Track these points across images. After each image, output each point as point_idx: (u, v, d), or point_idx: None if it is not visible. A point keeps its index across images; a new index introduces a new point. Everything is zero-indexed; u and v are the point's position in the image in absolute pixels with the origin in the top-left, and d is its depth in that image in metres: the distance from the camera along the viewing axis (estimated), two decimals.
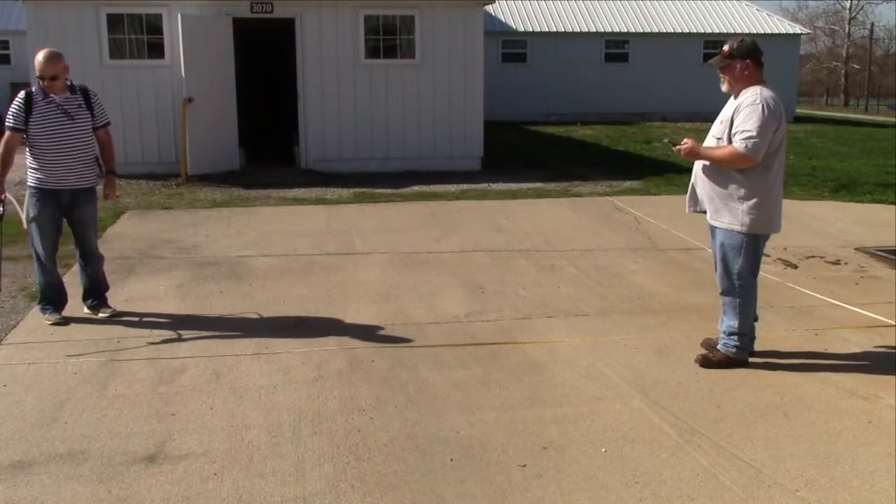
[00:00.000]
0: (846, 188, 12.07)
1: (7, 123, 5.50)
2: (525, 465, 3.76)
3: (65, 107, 5.57)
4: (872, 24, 55.60)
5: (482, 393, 4.59)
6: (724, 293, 4.98)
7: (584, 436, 4.07)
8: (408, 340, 5.45)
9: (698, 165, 4.98)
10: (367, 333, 5.58)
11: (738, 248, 4.83)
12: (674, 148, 4.97)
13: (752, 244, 4.84)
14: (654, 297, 6.49)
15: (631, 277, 7.07)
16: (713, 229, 4.98)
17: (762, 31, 26.89)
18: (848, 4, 58.29)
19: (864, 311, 6.12)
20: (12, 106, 5.54)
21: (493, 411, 4.35)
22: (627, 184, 12.61)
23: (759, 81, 4.75)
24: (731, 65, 4.76)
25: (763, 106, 4.60)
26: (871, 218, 9.92)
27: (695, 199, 5.06)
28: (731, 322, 4.94)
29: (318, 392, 4.57)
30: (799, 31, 29.21)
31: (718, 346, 5.02)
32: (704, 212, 5.01)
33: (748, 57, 4.74)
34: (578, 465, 3.78)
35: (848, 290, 6.69)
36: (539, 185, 12.49)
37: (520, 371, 4.91)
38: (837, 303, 6.34)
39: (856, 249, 8.14)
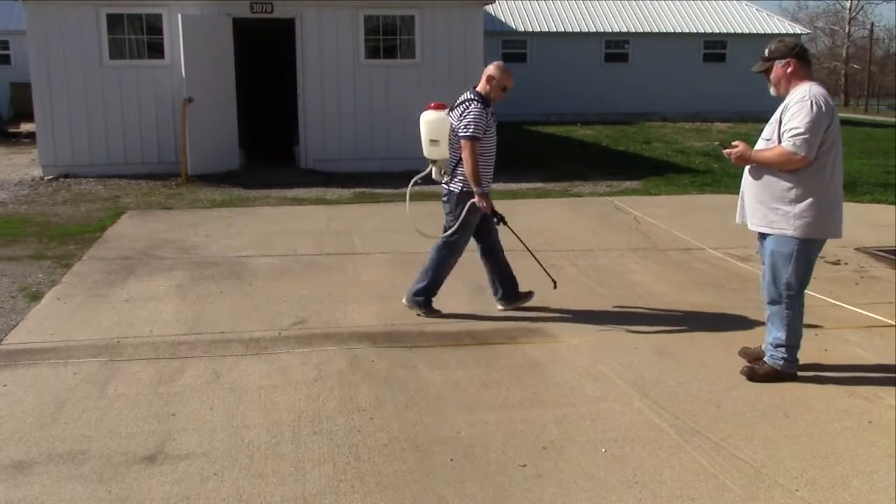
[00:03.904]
0: (846, 188, 11.90)
1: (473, 134, 5.56)
2: (525, 465, 3.76)
3: (495, 114, 5.81)
4: (872, 24, 55.62)
5: (482, 393, 4.59)
6: (770, 303, 4.73)
7: (584, 436, 4.07)
8: (408, 340, 5.45)
9: (747, 170, 4.76)
10: (367, 333, 5.58)
11: (788, 256, 4.58)
12: (724, 151, 4.80)
13: (805, 251, 4.59)
14: (654, 297, 6.49)
15: (631, 277, 7.07)
16: (762, 236, 4.76)
17: (762, 31, 26.89)
18: (848, 4, 58.32)
19: (864, 311, 6.12)
20: (473, 117, 5.56)
21: (493, 411, 4.35)
22: (627, 184, 12.61)
23: (808, 79, 4.57)
24: (772, 67, 4.63)
25: (812, 102, 4.40)
26: (871, 218, 9.91)
27: (743, 209, 4.81)
28: (779, 333, 4.70)
29: (318, 392, 4.57)
30: (799, 31, 29.20)
31: (765, 359, 4.78)
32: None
33: (788, 55, 4.57)
34: (578, 465, 3.78)
35: (848, 290, 6.69)
36: (539, 185, 12.49)
37: (520, 371, 4.91)
38: (837, 303, 6.33)
39: (856, 249, 8.13)
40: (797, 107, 4.46)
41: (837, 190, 4.65)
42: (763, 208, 4.66)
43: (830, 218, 4.62)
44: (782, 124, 4.52)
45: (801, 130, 4.41)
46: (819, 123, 4.42)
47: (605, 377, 4.81)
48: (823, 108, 4.43)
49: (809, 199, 4.52)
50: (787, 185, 4.54)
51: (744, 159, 4.69)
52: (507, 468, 3.74)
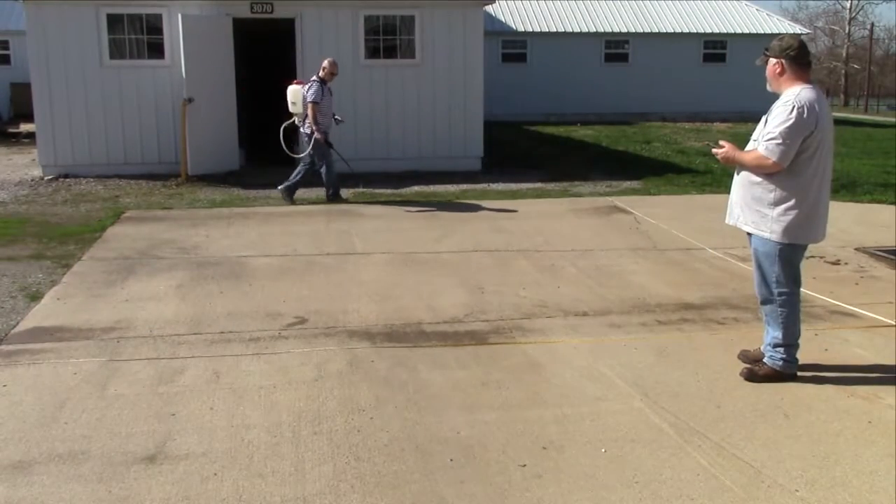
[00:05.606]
0: (846, 188, 12.06)
1: None
2: (525, 465, 3.76)
3: None
4: (872, 24, 55.68)
5: (482, 393, 4.59)
6: (763, 303, 4.77)
7: (584, 436, 4.07)
8: (408, 340, 5.45)
9: (737, 171, 4.79)
10: (367, 333, 5.58)
11: (772, 257, 4.61)
12: (712, 151, 4.85)
13: (787, 253, 4.60)
14: (654, 297, 6.49)
15: (631, 277, 7.07)
16: (748, 235, 4.79)
17: (762, 31, 26.88)
18: (848, 4, 58.39)
19: (864, 311, 6.12)
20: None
21: (493, 411, 4.35)
22: (627, 184, 12.60)
23: (801, 81, 4.53)
24: (767, 63, 4.63)
25: (793, 108, 4.39)
26: (871, 218, 9.92)
27: (731, 209, 4.83)
28: (776, 333, 4.70)
29: (317, 392, 4.57)
30: (799, 31, 29.20)
31: (765, 360, 4.78)
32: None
33: (780, 56, 4.55)
34: (578, 465, 3.78)
35: (848, 290, 6.68)
36: (539, 185, 12.49)
37: (520, 371, 4.91)
38: (837, 303, 6.33)
39: (856, 249, 8.13)
40: (779, 111, 4.48)
41: (820, 196, 4.61)
42: (747, 208, 4.70)
43: (810, 223, 4.59)
44: (765, 126, 4.54)
45: (775, 136, 4.42)
46: (797, 130, 4.40)
47: (605, 377, 4.81)
48: (805, 115, 4.39)
49: (788, 203, 4.53)
50: (767, 187, 4.57)
51: (727, 159, 4.72)
52: (507, 468, 3.74)
